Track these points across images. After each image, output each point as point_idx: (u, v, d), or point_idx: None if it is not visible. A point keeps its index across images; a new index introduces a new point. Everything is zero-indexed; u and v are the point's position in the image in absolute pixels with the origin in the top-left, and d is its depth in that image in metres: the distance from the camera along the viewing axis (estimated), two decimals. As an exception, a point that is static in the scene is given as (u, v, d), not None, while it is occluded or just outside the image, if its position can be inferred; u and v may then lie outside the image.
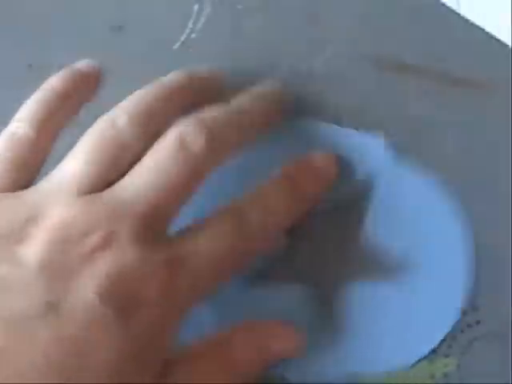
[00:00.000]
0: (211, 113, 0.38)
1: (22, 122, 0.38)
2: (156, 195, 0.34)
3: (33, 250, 0.32)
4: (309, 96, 0.47)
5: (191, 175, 0.35)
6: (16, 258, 0.32)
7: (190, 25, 0.49)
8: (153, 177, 0.35)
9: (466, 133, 0.46)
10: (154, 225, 0.34)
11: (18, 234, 0.32)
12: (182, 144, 0.35)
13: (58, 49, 0.50)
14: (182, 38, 0.49)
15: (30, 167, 0.37)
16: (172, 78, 0.41)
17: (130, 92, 0.48)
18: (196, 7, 0.50)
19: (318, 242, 0.42)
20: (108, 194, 0.34)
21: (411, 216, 0.41)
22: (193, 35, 0.49)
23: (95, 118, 0.48)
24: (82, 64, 0.42)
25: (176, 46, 0.49)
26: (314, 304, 0.40)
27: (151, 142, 0.37)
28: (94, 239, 0.32)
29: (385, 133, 0.45)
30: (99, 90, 0.46)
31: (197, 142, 0.36)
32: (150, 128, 0.37)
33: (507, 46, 0.46)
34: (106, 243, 0.32)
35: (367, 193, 0.42)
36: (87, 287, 0.31)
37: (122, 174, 0.36)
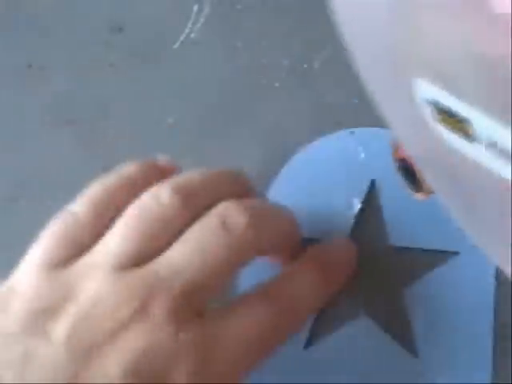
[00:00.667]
0: (252, 200, 0.38)
1: (84, 204, 0.37)
2: (195, 275, 0.33)
3: (62, 325, 0.32)
4: (308, 96, 0.47)
5: (232, 257, 0.34)
6: (46, 332, 0.32)
7: (190, 25, 0.50)
8: (194, 256, 0.34)
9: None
10: (190, 303, 0.33)
11: (53, 309, 0.32)
12: (225, 225, 0.34)
13: (57, 49, 0.50)
14: (182, 38, 0.49)
15: (81, 246, 0.36)
16: (221, 171, 0.40)
17: (131, 91, 0.48)
18: (195, 7, 0.50)
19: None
20: (145, 269, 0.33)
21: None
22: (192, 35, 0.49)
23: (95, 116, 0.49)
24: (163, 160, 0.41)
25: (175, 46, 0.49)
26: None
27: (193, 218, 0.36)
28: (125, 312, 0.31)
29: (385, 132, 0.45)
30: (96, 90, 0.46)
31: (239, 224, 0.34)
32: (193, 207, 0.36)
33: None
34: (138, 316, 0.31)
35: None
36: (112, 361, 0.30)
37: (162, 249, 0.35)
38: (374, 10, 0.22)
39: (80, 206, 0.37)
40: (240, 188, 0.39)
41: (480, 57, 0.18)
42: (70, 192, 0.47)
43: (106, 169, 0.47)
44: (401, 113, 0.25)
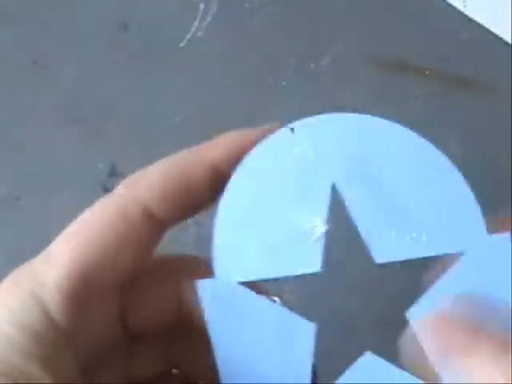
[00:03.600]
0: None
1: None
2: None
3: None
4: (315, 95, 0.47)
5: None
6: None
7: (196, 23, 0.49)
8: None
9: (467, 133, 0.46)
10: None
11: None
12: None
13: (63, 47, 0.50)
14: (188, 36, 0.49)
15: None
16: None
17: (137, 89, 0.48)
18: (202, 6, 0.50)
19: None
20: None
21: None
22: (199, 33, 0.49)
23: (100, 115, 0.48)
24: None
25: (182, 44, 0.49)
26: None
27: None
28: None
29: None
30: (101, 88, 0.46)
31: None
32: None
33: (510, 46, 0.46)
34: None
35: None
36: None
37: None
38: None
39: None
40: None
41: None
42: (75, 190, 0.47)
43: (111, 167, 0.47)
44: None
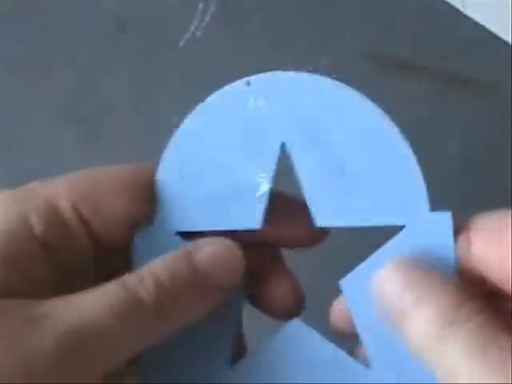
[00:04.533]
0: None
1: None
2: None
3: None
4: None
5: None
6: None
7: (195, 23, 0.50)
8: None
9: (466, 132, 0.46)
10: None
11: None
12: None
13: (62, 46, 0.50)
14: (187, 36, 0.49)
15: None
16: None
17: (136, 89, 0.48)
18: (201, 6, 0.50)
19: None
20: None
21: None
22: (197, 33, 0.49)
23: (99, 114, 0.48)
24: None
25: (181, 44, 0.49)
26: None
27: None
28: None
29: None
30: (101, 88, 0.46)
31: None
32: None
33: (510, 45, 0.46)
34: None
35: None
36: None
37: None
38: None
39: None
40: None
41: None
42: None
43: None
44: None
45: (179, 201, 0.32)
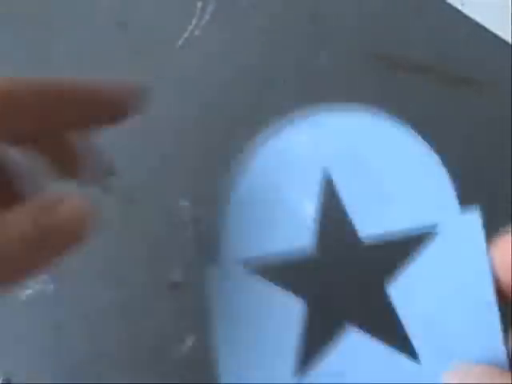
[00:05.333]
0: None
1: None
2: None
3: None
4: (311, 93, 0.47)
5: None
6: None
7: (194, 22, 0.49)
8: None
9: (466, 132, 0.46)
10: None
11: None
12: None
13: (60, 45, 0.50)
14: (186, 35, 0.49)
15: None
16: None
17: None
18: (199, 4, 0.50)
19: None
20: None
21: None
22: (196, 32, 0.49)
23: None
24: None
25: (179, 43, 0.49)
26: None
27: None
28: None
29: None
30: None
31: None
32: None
33: (510, 45, 0.46)
34: None
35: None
36: None
37: None
38: None
39: None
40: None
41: None
42: (74, 190, 0.47)
43: (110, 167, 0.47)
44: None
45: (241, 231, 0.37)
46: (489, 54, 0.47)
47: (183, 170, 0.46)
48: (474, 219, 0.36)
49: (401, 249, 0.36)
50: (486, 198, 0.44)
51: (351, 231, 0.36)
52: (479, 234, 0.36)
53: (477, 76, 0.47)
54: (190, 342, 0.43)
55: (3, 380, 0.43)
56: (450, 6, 0.48)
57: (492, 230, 0.43)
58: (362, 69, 0.47)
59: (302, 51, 0.48)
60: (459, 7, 0.47)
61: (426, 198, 0.36)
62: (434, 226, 0.36)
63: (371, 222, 0.36)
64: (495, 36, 0.47)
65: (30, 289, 0.44)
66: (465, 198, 0.44)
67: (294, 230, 0.36)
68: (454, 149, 0.45)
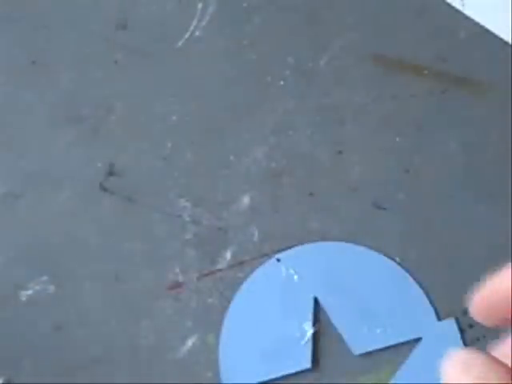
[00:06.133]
0: None
1: None
2: None
3: None
4: (312, 94, 0.47)
5: None
6: None
7: (194, 22, 0.49)
8: None
9: (466, 131, 0.46)
10: None
11: None
12: None
13: (61, 46, 0.50)
14: (186, 36, 0.49)
15: None
16: None
17: (135, 89, 0.48)
18: (200, 5, 0.50)
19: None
20: None
21: None
22: (197, 33, 0.49)
23: (98, 114, 0.48)
24: None
25: (180, 44, 0.49)
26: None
27: None
28: None
29: (385, 131, 0.45)
30: (100, 88, 0.46)
31: None
32: None
33: (510, 45, 0.46)
34: None
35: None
36: None
37: None
38: None
39: None
40: None
41: None
42: (74, 189, 0.47)
43: (110, 167, 0.47)
44: None
45: (239, 360, 0.42)
46: (489, 55, 0.47)
47: (183, 170, 0.46)
48: (451, 326, 0.42)
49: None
50: (486, 197, 0.44)
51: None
52: (457, 338, 0.42)
53: (477, 76, 0.47)
54: (190, 342, 0.43)
55: (4, 380, 0.43)
56: (451, 7, 0.48)
57: (492, 229, 0.43)
58: (362, 69, 0.47)
59: (302, 51, 0.48)
60: (460, 8, 0.47)
61: (407, 313, 0.42)
62: (417, 339, 0.42)
63: (362, 340, 0.42)
64: (495, 36, 0.47)
65: (30, 289, 0.44)
66: (465, 198, 0.44)
67: (293, 352, 0.41)
68: (454, 149, 0.45)
